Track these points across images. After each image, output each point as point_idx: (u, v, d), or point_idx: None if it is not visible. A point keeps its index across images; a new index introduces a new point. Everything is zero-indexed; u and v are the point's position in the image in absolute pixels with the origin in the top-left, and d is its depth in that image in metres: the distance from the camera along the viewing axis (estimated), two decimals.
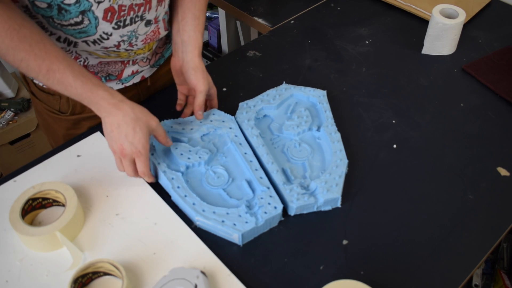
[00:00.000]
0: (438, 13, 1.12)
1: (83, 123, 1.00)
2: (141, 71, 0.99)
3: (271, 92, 0.98)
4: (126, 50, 0.89)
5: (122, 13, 0.81)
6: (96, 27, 0.80)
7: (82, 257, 0.75)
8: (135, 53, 0.92)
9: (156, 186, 0.85)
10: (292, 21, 1.28)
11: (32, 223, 0.80)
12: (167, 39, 1.02)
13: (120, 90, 0.91)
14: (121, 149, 0.77)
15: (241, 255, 0.77)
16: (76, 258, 0.73)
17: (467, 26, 1.22)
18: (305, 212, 0.82)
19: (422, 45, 1.17)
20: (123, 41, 0.86)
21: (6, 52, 0.71)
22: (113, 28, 0.82)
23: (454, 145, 0.95)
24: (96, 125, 0.98)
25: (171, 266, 0.72)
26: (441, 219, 0.82)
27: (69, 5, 0.74)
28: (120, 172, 0.87)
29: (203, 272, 0.69)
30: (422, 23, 1.24)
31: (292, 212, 0.81)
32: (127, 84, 0.98)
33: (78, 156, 0.90)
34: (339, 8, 1.33)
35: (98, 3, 0.76)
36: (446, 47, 1.15)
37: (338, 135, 0.89)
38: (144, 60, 0.98)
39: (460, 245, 0.78)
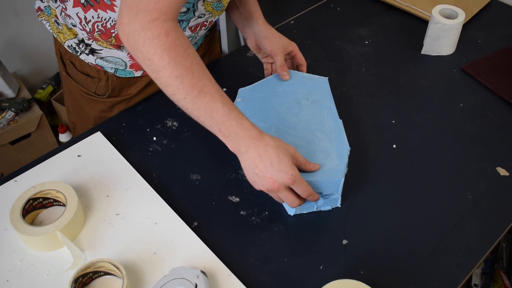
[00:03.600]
0: (437, 14, 1.12)
1: (116, 107, 1.02)
2: None
3: (270, 79, 0.98)
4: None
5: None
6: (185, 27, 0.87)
7: (82, 257, 0.75)
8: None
9: (156, 186, 0.86)
10: (292, 21, 1.28)
11: (32, 223, 0.80)
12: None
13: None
14: (272, 182, 0.71)
15: (241, 255, 0.77)
16: (76, 257, 0.74)
17: (466, 26, 1.22)
18: (305, 212, 0.82)
19: (422, 45, 1.17)
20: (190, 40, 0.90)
21: (167, 64, 0.70)
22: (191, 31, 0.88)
23: (454, 145, 0.95)
24: (96, 126, 0.98)
25: (171, 265, 0.73)
26: (441, 219, 0.82)
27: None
28: (120, 172, 0.87)
29: (203, 272, 0.69)
30: (421, 23, 1.24)
31: (291, 212, 0.82)
32: None
33: (79, 156, 0.90)
34: (339, 8, 1.33)
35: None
36: (445, 47, 1.15)
37: (340, 121, 0.89)
38: None
39: (459, 244, 0.78)
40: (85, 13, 0.87)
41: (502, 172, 0.89)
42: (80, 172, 0.87)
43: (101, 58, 0.95)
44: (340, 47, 1.19)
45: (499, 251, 1.34)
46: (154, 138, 0.95)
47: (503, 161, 0.91)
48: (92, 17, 0.87)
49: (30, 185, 0.80)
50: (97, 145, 0.92)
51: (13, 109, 1.78)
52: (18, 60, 1.97)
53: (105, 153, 0.91)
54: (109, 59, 0.95)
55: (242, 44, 1.97)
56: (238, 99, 0.94)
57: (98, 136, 0.94)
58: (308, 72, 1.05)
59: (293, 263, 0.76)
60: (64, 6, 0.90)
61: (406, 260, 0.76)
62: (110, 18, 0.86)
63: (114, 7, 0.83)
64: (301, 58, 1.00)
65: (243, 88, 0.96)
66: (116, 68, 0.97)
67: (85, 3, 0.85)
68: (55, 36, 0.96)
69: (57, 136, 2.00)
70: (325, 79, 0.99)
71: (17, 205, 0.77)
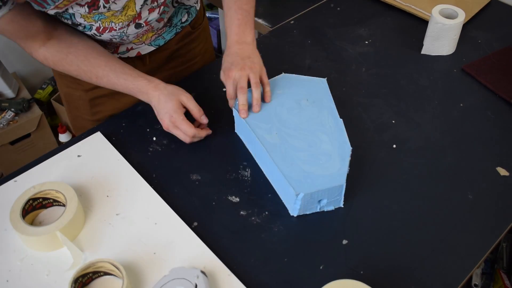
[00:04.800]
0: (437, 14, 1.12)
1: (78, 83, 1.01)
2: (136, 48, 1.01)
3: (270, 82, 0.98)
4: (119, 41, 0.96)
5: (112, 24, 0.87)
6: (88, 30, 0.89)
7: (82, 257, 0.75)
8: (131, 42, 0.98)
9: (156, 186, 0.86)
10: (292, 21, 1.28)
11: (32, 223, 0.80)
12: (168, 22, 1.03)
13: None
14: (162, 122, 0.88)
15: (241, 255, 0.77)
16: (76, 258, 0.73)
17: (466, 26, 1.22)
18: (308, 212, 0.82)
19: (422, 45, 1.17)
20: (114, 38, 0.92)
21: (63, 69, 0.90)
22: (99, 32, 0.89)
23: (454, 145, 0.95)
24: (96, 126, 0.98)
25: (171, 265, 0.73)
26: (441, 219, 0.82)
27: (76, 24, 0.87)
28: (120, 172, 0.87)
29: (203, 272, 0.69)
30: (421, 23, 1.24)
31: (294, 213, 0.82)
32: (123, 56, 1.01)
33: (79, 156, 0.90)
34: (339, 9, 1.33)
35: (94, 26, 0.87)
36: (445, 47, 1.15)
37: (341, 121, 0.89)
38: (138, 42, 1.00)
39: (459, 244, 0.78)
40: None
41: (502, 172, 0.89)
42: (80, 172, 0.87)
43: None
44: (340, 47, 1.19)
45: (499, 251, 1.33)
46: (154, 138, 0.95)
47: (503, 161, 0.91)
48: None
49: (30, 185, 0.80)
50: (97, 145, 0.92)
51: (13, 109, 1.78)
52: (18, 60, 1.97)
53: (105, 153, 0.91)
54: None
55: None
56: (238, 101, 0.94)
57: (98, 136, 0.94)
58: (308, 72, 1.05)
59: (293, 263, 0.76)
60: None
61: (406, 260, 0.76)
62: None
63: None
64: (264, 81, 0.92)
65: None
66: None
67: None
68: None
69: (57, 136, 2.00)
70: (324, 80, 0.99)
71: (17, 205, 0.77)
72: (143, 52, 1.03)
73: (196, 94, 1.04)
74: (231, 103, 0.93)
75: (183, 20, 1.06)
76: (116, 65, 0.89)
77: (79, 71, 0.89)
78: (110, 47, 0.98)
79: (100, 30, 0.87)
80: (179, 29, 1.06)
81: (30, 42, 0.87)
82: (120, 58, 0.99)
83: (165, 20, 0.98)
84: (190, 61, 1.14)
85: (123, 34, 0.91)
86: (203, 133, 0.92)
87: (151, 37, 1.01)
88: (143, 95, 0.89)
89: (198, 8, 1.10)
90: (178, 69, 1.12)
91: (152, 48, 1.03)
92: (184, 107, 0.90)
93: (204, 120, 0.91)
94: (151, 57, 1.05)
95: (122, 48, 1.00)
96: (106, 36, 0.90)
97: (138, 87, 0.88)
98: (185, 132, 0.88)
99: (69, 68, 0.89)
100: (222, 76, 0.92)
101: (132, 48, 1.00)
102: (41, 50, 0.89)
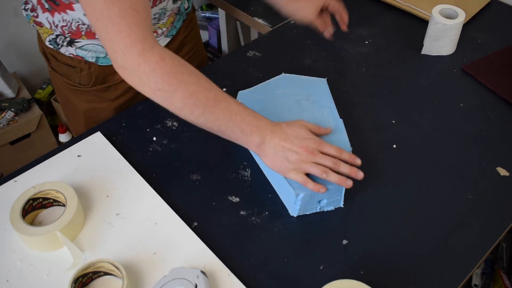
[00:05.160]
0: (437, 14, 1.12)
1: (103, 95, 1.02)
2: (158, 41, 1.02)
3: (270, 82, 0.98)
4: (154, 24, 0.94)
5: None
6: None
7: (82, 257, 0.75)
8: (159, 27, 0.98)
9: (156, 186, 0.86)
10: (292, 21, 1.28)
11: (32, 223, 0.80)
12: (177, 10, 1.05)
13: None
14: (305, 150, 0.74)
15: (241, 255, 0.77)
16: (76, 258, 0.73)
17: (466, 26, 1.22)
18: (308, 213, 0.82)
19: (422, 45, 1.17)
20: (155, 18, 0.91)
21: (177, 87, 0.71)
22: (150, 7, 0.82)
23: (454, 145, 0.95)
24: (96, 126, 0.98)
25: (171, 266, 0.73)
26: (441, 219, 0.82)
27: None
28: (120, 172, 0.87)
29: (203, 272, 0.69)
30: (422, 23, 1.24)
31: (295, 213, 0.82)
32: None
33: (79, 156, 0.90)
34: None
35: None
36: (445, 47, 1.15)
37: (341, 121, 0.90)
38: (160, 32, 1.01)
39: (459, 245, 0.78)
40: (53, 17, 0.89)
41: (502, 172, 0.89)
42: (80, 172, 0.87)
43: (80, 48, 0.95)
44: (340, 47, 1.19)
45: (499, 251, 1.33)
46: (154, 138, 0.95)
47: (503, 161, 0.91)
48: (59, 21, 0.90)
49: (30, 185, 0.80)
50: (97, 145, 0.92)
51: (13, 109, 1.78)
52: (18, 60, 1.97)
53: (105, 153, 0.91)
54: (89, 47, 0.95)
55: (242, 44, 1.97)
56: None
57: (98, 136, 0.94)
58: (308, 72, 1.05)
59: (293, 263, 0.76)
60: (35, 14, 0.93)
61: (406, 260, 0.76)
62: (72, 19, 0.88)
63: (73, 5, 0.85)
64: (341, 11, 1.00)
65: (243, 91, 0.96)
66: (97, 57, 0.97)
67: (49, 8, 0.88)
68: (40, 33, 0.99)
69: (57, 136, 2.00)
70: (324, 80, 0.99)
71: (17, 205, 0.77)
72: (162, 45, 1.04)
73: None
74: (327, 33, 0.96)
75: (186, 7, 1.10)
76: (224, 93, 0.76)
77: (198, 86, 0.72)
78: None
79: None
80: (184, 16, 1.09)
81: (148, 35, 0.69)
82: None
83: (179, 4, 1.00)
84: (193, 48, 1.16)
85: (163, 11, 0.90)
86: (345, 155, 0.79)
87: (170, 25, 1.02)
88: (261, 130, 0.75)
89: None
90: (185, 58, 1.13)
91: (168, 40, 1.05)
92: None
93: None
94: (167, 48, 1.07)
95: None
96: (151, 14, 0.86)
97: (258, 121, 0.75)
98: (332, 151, 0.77)
99: (188, 79, 0.72)
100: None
101: None
102: (156, 49, 0.70)
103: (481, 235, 0.80)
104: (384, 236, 0.79)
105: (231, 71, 1.12)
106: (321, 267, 0.75)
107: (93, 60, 0.97)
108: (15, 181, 0.86)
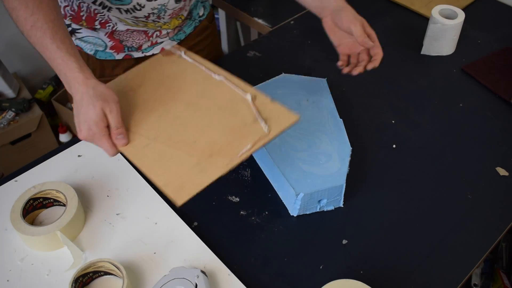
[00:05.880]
0: (437, 14, 1.12)
1: None
2: (160, 43, 1.03)
3: (270, 82, 0.98)
4: (154, 21, 0.94)
5: None
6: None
7: (82, 257, 0.75)
8: (161, 26, 0.97)
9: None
10: (292, 22, 1.28)
11: (33, 222, 0.80)
12: (188, 15, 1.06)
13: (140, 59, 0.99)
14: (79, 131, 0.70)
15: (241, 255, 0.77)
16: (76, 257, 0.74)
17: (466, 26, 1.22)
18: (308, 212, 0.82)
19: (422, 45, 1.17)
20: (153, 13, 0.91)
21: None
22: (147, 0, 0.87)
23: (453, 145, 0.95)
24: None
25: (172, 265, 0.73)
26: (440, 219, 0.82)
27: None
28: (120, 172, 0.87)
29: (203, 272, 0.70)
30: (421, 23, 1.24)
31: (294, 213, 0.82)
32: (147, 54, 1.02)
33: (79, 156, 0.90)
34: None
35: None
36: (445, 47, 1.15)
37: (341, 121, 0.90)
38: (164, 33, 1.02)
39: (459, 244, 0.79)
40: None
41: (502, 172, 0.89)
42: (80, 172, 0.87)
43: (80, 39, 0.97)
44: None
45: (499, 251, 1.33)
46: None
47: (502, 161, 0.91)
48: (61, 1, 0.91)
49: (31, 185, 0.80)
50: None
51: (13, 109, 1.78)
52: (18, 61, 1.97)
53: (105, 153, 0.90)
54: (89, 39, 0.97)
55: (242, 44, 1.97)
56: None
57: None
58: (308, 72, 1.05)
59: (293, 263, 0.76)
60: None
61: (406, 260, 0.76)
62: None
63: None
64: (378, 46, 0.88)
65: None
66: (96, 50, 0.98)
67: None
68: None
69: (57, 136, 2.00)
70: (324, 80, 0.99)
71: (17, 205, 0.77)
72: (166, 48, 1.02)
73: None
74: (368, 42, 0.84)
75: (200, 14, 1.10)
76: (60, 29, 0.72)
77: (21, 3, 0.71)
78: (138, 41, 0.99)
79: None
80: (197, 23, 1.10)
81: None
82: (145, 56, 1.02)
83: (187, 7, 1.00)
84: (206, 57, 1.14)
85: (163, 8, 0.91)
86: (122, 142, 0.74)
87: (175, 28, 1.03)
88: (65, 81, 0.72)
89: (210, 3, 1.14)
90: None
91: (174, 43, 1.05)
92: None
93: (118, 140, 0.72)
94: None
95: (146, 45, 1.01)
96: (147, 9, 0.88)
97: (65, 67, 0.70)
98: (105, 151, 0.72)
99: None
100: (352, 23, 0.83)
101: (156, 43, 1.02)
102: None
103: (480, 235, 0.80)
104: (384, 236, 0.80)
105: (231, 71, 1.12)
106: (321, 267, 0.75)
107: (91, 53, 0.99)
108: (16, 181, 0.86)
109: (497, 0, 1.35)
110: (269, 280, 0.74)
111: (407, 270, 0.75)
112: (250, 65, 1.13)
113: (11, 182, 0.86)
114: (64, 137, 2.00)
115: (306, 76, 1.00)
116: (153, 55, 1.02)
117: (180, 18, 1.01)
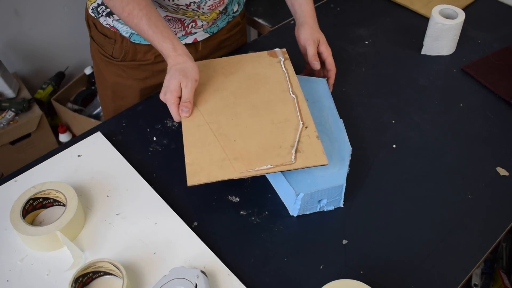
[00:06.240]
0: (437, 14, 1.12)
1: (131, 72, 1.07)
2: (194, 33, 1.05)
3: None
4: (193, 10, 0.97)
5: None
6: None
7: (82, 257, 0.75)
8: (198, 16, 1.01)
9: (156, 186, 0.86)
10: (292, 22, 1.28)
11: (33, 222, 0.80)
12: (224, 10, 1.08)
13: None
14: (161, 92, 0.85)
15: (241, 255, 0.77)
16: (76, 257, 0.74)
17: (466, 26, 1.22)
18: (308, 212, 0.82)
19: (422, 45, 1.17)
20: (194, 2, 0.95)
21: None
22: None
23: (453, 145, 0.95)
24: (96, 126, 0.98)
25: (172, 265, 0.73)
26: (440, 219, 0.82)
27: None
28: (120, 172, 0.87)
29: (203, 272, 0.70)
30: (421, 23, 1.24)
31: (295, 212, 0.82)
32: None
33: (79, 156, 0.90)
34: (338, 9, 1.33)
35: None
36: (445, 47, 1.15)
37: (341, 121, 0.90)
38: (199, 25, 1.04)
39: (459, 244, 0.79)
40: None
41: (502, 172, 0.89)
42: (80, 172, 0.87)
43: (118, 20, 1.00)
44: (340, 47, 1.19)
45: (499, 251, 1.33)
46: (154, 138, 0.95)
47: (503, 161, 0.91)
48: None
49: (30, 185, 0.80)
50: (97, 145, 0.92)
51: (13, 109, 1.78)
52: (18, 60, 1.97)
53: (105, 153, 0.91)
54: None
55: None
56: None
57: (98, 136, 0.94)
58: (308, 72, 1.05)
59: (293, 263, 0.76)
60: None
61: (406, 260, 0.76)
62: None
63: None
64: (330, 63, 0.98)
65: None
66: (131, 33, 1.01)
67: None
68: (87, 0, 1.04)
69: (57, 136, 2.00)
70: (324, 80, 0.99)
71: (17, 205, 0.77)
72: (199, 39, 1.07)
73: None
74: (316, 64, 0.96)
75: (235, 10, 1.12)
76: (153, 13, 0.86)
77: None
78: (174, 29, 1.01)
79: None
80: (230, 18, 1.12)
81: None
82: None
83: (226, 1, 1.03)
84: (234, 53, 1.18)
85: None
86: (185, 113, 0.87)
87: (211, 20, 1.05)
88: (165, 58, 0.88)
89: (245, 1, 1.17)
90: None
91: (207, 35, 1.08)
92: None
93: (183, 112, 0.85)
94: (204, 44, 1.10)
95: (180, 33, 1.03)
96: None
97: (161, 49, 0.86)
98: (172, 116, 0.86)
99: None
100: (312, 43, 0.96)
101: (190, 33, 1.04)
102: None
103: (480, 234, 0.80)
104: (384, 236, 0.80)
105: None
106: (321, 267, 0.75)
107: (127, 35, 1.01)
108: (16, 181, 0.86)
109: (497, 0, 1.35)
110: (269, 280, 0.74)
111: (407, 270, 0.75)
112: None
113: (11, 182, 0.86)
114: (64, 137, 2.00)
115: (306, 76, 1.00)
116: (185, 44, 1.05)
117: (217, 11, 1.04)
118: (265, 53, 0.99)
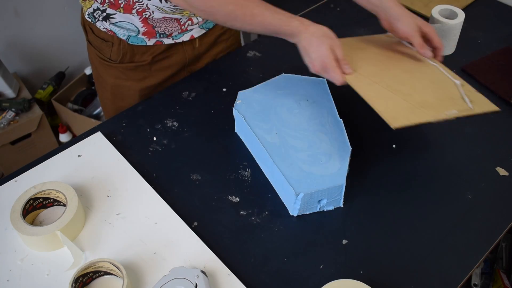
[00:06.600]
0: (437, 14, 1.12)
1: (130, 74, 1.07)
2: (191, 30, 1.05)
3: (270, 82, 0.98)
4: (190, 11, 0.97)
5: None
6: None
7: (82, 257, 0.75)
8: (194, 14, 1.01)
9: (156, 186, 0.86)
10: None
11: (33, 222, 0.80)
12: None
13: (169, 46, 1.05)
14: (313, 65, 0.85)
15: (241, 255, 0.77)
16: (76, 257, 0.74)
17: (466, 26, 1.22)
18: (308, 212, 0.82)
19: None
20: None
21: (217, 10, 0.85)
22: None
23: (454, 145, 0.95)
24: (97, 126, 0.98)
25: (172, 265, 0.73)
26: (440, 218, 0.82)
27: None
28: (120, 172, 0.87)
29: (203, 272, 0.70)
30: None
31: (295, 213, 0.82)
32: (177, 41, 1.05)
33: (79, 156, 0.90)
34: (339, 9, 1.33)
35: None
36: (445, 47, 1.15)
37: (341, 121, 0.90)
38: (195, 22, 1.04)
39: (459, 244, 0.79)
40: None
41: (502, 172, 0.89)
42: (80, 172, 0.87)
43: (114, 23, 0.99)
44: None
45: (499, 251, 1.33)
46: (154, 138, 0.95)
47: (502, 161, 0.91)
48: None
49: (31, 185, 0.80)
50: (97, 145, 0.92)
51: (13, 109, 1.78)
52: (18, 60, 1.97)
53: (105, 153, 0.91)
54: (123, 24, 0.99)
55: (242, 44, 1.97)
56: (238, 101, 0.94)
57: (98, 136, 0.94)
58: (308, 72, 1.05)
59: (293, 263, 0.76)
60: None
61: (406, 260, 0.76)
62: None
63: None
64: (438, 41, 0.94)
65: (243, 90, 0.97)
66: (128, 35, 1.01)
67: None
68: (82, 6, 1.04)
69: (57, 136, 2.00)
70: (324, 80, 0.99)
71: (17, 205, 0.77)
72: (195, 35, 1.07)
73: (196, 94, 1.05)
74: (427, 53, 0.92)
75: None
76: (266, 4, 0.87)
77: (235, 5, 0.85)
78: (171, 28, 1.02)
79: None
80: None
81: None
82: (175, 42, 1.05)
83: None
84: (230, 47, 1.19)
85: None
86: (348, 70, 0.88)
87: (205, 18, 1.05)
88: (294, 37, 0.87)
89: None
90: (218, 56, 1.17)
91: (203, 31, 1.08)
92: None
93: (347, 70, 0.86)
94: (201, 41, 1.10)
95: (176, 31, 1.03)
96: None
97: (291, 29, 0.86)
98: (333, 79, 0.85)
99: (225, 0, 0.85)
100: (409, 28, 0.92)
101: (187, 30, 1.04)
102: None
103: (480, 234, 0.80)
104: (384, 235, 0.80)
105: (231, 71, 1.12)
106: (321, 267, 0.75)
107: (124, 38, 1.01)
108: (16, 181, 0.86)
109: (497, 0, 1.35)
110: (269, 280, 0.74)
111: (407, 270, 0.75)
112: (250, 65, 1.13)
113: (11, 182, 0.86)
114: (64, 137, 2.00)
115: (306, 76, 1.00)
116: (182, 42, 1.05)
117: None
118: (383, 35, 1.04)
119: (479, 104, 0.85)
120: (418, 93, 0.85)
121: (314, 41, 0.84)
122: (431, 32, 0.93)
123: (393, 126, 0.79)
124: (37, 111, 1.84)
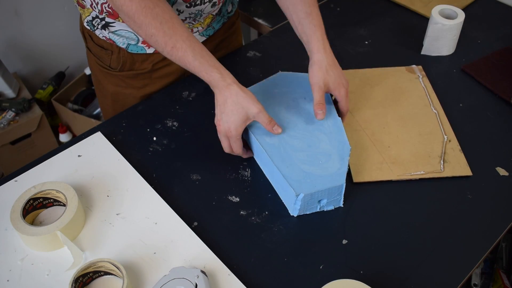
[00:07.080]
0: (437, 14, 1.12)
1: (130, 82, 1.06)
2: None
3: (267, 81, 0.98)
4: (189, 23, 0.99)
5: None
6: (173, 4, 0.91)
7: (82, 257, 0.75)
8: (193, 25, 1.02)
9: (156, 186, 0.86)
10: None
11: (33, 222, 0.80)
12: (218, 12, 1.08)
13: None
14: (218, 126, 0.84)
15: (241, 255, 0.77)
16: (76, 257, 0.74)
17: (466, 26, 1.22)
18: (308, 212, 0.82)
19: (422, 45, 1.17)
20: (190, 17, 0.96)
21: (140, 27, 0.81)
22: (186, 6, 0.93)
23: None
24: (97, 126, 0.98)
25: (172, 265, 0.73)
26: (440, 218, 0.82)
27: None
28: (120, 172, 0.87)
29: (203, 272, 0.70)
30: (421, 23, 1.25)
31: (295, 213, 0.82)
32: None
33: (79, 156, 0.90)
34: (338, 9, 1.33)
35: None
36: (445, 47, 1.15)
37: (340, 120, 0.90)
38: (195, 30, 1.04)
39: (459, 244, 0.79)
40: None
41: (502, 172, 0.89)
42: (80, 172, 0.87)
43: (114, 32, 0.98)
44: (340, 47, 1.19)
45: (499, 251, 1.34)
46: (154, 138, 0.95)
47: (502, 161, 0.91)
48: None
49: (31, 185, 0.80)
50: (97, 145, 0.92)
51: (13, 109, 1.78)
52: (18, 60, 1.97)
53: (105, 153, 0.91)
54: (122, 32, 0.98)
55: (242, 44, 1.97)
56: None
57: (98, 136, 0.94)
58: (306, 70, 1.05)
59: (293, 263, 0.76)
60: None
61: (406, 260, 0.76)
62: None
63: None
64: (342, 107, 0.91)
65: None
66: (128, 44, 1.00)
67: None
68: (81, 13, 1.03)
69: (57, 136, 2.00)
70: None
71: (17, 205, 0.77)
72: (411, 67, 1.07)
73: (196, 94, 1.05)
74: (318, 114, 0.88)
75: (229, 10, 1.11)
76: (196, 44, 0.82)
77: (159, 30, 0.80)
78: None
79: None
80: (225, 19, 1.12)
81: None
82: None
83: (220, 7, 1.03)
84: (232, 54, 1.18)
85: (199, 12, 0.96)
86: (246, 156, 0.90)
87: (206, 25, 1.05)
88: (212, 87, 0.84)
89: (238, 0, 1.16)
90: (220, 61, 1.15)
91: (203, 39, 1.07)
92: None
93: (276, 130, 0.85)
94: None
95: None
96: (185, 14, 0.94)
97: (209, 79, 0.83)
98: (233, 150, 0.86)
99: (150, 22, 0.80)
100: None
101: None
102: None
103: (480, 234, 0.80)
104: (384, 235, 0.80)
105: (231, 71, 1.11)
106: (321, 267, 0.75)
107: (123, 46, 1.01)
108: (16, 181, 0.86)
109: (497, 0, 1.35)
110: (269, 280, 0.74)
111: (407, 270, 0.75)
112: (250, 65, 1.13)
113: (11, 182, 0.86)
114: (64, 137, 2.00)
115: (303, 73, 0.99)
116: None
117: (211, 16, 1.04)
118: (403, 68, 1.09)
119: (454, 166, 0.88)
120: (397, 147, 0.91)
121: (229, 105, 0.81)
122: (337, 96, 0.89)
123: (354, 180, 0.86)
124: (37, 111, 1.84)
